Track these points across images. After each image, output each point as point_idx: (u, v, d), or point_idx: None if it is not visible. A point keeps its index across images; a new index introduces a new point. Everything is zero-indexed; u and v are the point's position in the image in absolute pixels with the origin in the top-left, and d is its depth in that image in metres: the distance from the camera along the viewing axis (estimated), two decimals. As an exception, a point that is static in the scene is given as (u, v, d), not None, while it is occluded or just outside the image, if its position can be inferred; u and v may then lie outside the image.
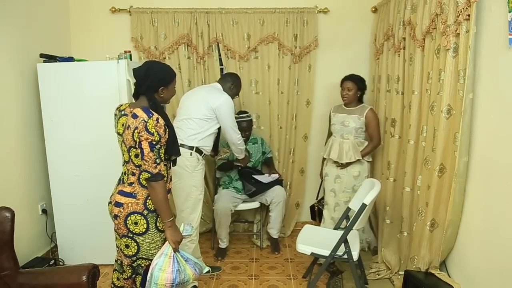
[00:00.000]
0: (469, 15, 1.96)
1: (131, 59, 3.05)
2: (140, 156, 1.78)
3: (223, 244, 3.30)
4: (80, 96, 2.87)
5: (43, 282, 2.01)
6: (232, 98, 2.85)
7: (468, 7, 1.96)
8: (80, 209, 2.98)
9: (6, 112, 2.74)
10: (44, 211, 3.08)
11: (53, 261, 2.90)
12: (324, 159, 3.21)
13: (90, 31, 3.56)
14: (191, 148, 2.60)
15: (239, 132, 2.86)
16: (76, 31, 3.56)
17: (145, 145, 1.75)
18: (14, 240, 2.04)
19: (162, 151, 1.81)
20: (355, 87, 2.97)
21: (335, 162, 3.01)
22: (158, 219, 1.89)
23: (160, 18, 3.48)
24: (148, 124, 1.74)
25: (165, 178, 1.86)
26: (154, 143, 1.76)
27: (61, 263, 3.02)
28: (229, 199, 3.24)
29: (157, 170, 1.79)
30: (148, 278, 1.86)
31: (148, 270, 1.87)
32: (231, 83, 2.91)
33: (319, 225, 3.32)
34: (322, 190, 3.33)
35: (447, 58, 2.13)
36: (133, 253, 1.90)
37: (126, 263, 1.96)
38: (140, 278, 1.95)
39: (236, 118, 3.34)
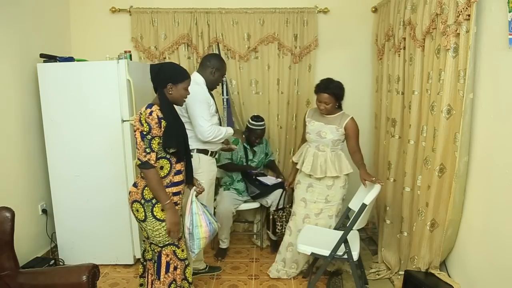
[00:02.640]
0: (469, 15, 1.96)
1: (131, 59, 3.05)
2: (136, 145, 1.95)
3: (223, 245, 3.29)
4: (80, 96, 2.86)
5: (43, 282, 2.01)
6: (218, 82, 2.70)
7: (468, 7, 1.96)
8: (80, 209, 2.98)
9: (6, 112, 2.75)
10: (44, 211, 3.08)
11: (53, 261, 2.90)
12: (295, 164, 2.90)
13: (90, 31, 3.56)
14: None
15: (208, 122, 2.48)
16: (76, 31, 3.57)
17: (137, 134, 1.92)
18: (14, 240, 2.04)
19: (154, 142, 1.92)
20: (332, 100, 2.60)
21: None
22: (155, 208, 1.99)
23: (160, 18, 3.48)
24: (141, 116, 1.91)
25: (166, 170, 2.01)
26: (144, 133, 1.90)
27: (61, 263, 3.02)
28: (231, 201, 3.23)
29: (145, 159, 1.92)
30: (188, 239, 2.12)
31: (161, 258, 2.05)
32: (212, 67, 2.61)
33: (273, 236, 3.23)
34: (284, 199, 3.16)
35: (447, 58, 2.13)
36: (146, 236, 2.09)
37: (148, 243, 2.14)
38: (155, 266, 2.07)
39: (251, 124, 3.32)
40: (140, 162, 1.93)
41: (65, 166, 2.96)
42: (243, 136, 3.34)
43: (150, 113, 1.89)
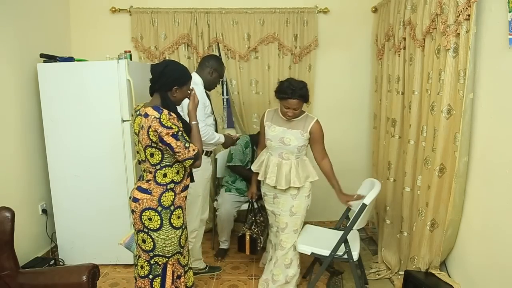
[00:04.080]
0: (469, 15, 1.96)
1: (131, 59, 3.05)
2: (170, 151, 1.84)
3: (224, 245, 3.30)
4: (80, 96, 2.86)
5: (43, 282, 2.01)
6: (215, 82, 2.71)
7: (468, 7, 1.96)
8: (80, 209, 2.98)
9: (6, 112, 2.74)
10: (44, 211, 3.08)
11: (53, 261, 2.90)
12: (256, 174, 2.66)
13: (90, 31, 3.56)
14: None
15: (201, 122, 2.42)
16: (76, 31, 3.57)
17: (169, 139, 1.80)
18: (14, 240, 2.04)
19: (185, 136, 1.87)
20: (301, 105, 2.36)
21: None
22: (172, 216, 1.93)
23: (160, 18, 3.48)
24: (162, 120, 1.79)
25: (181, 174, 1.95)
26: (176, 133, 1.81)
27: (61, 263, 3.02)
28: (232, 204, 3.21)
29: (193, 152, 1.87)
30: (132, 239, 2.07)
31: (167, 269, 1.95)
32: (210, 68, 2.65)
33: (248, 255, 2.89)
34: (252, 213, 2.93)
35: (447, 58, 2.13)
36: (150, 249, 1.95)
37: (144, 259, 1.99)
38: (159, 280, 1.97)
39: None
40: (192, 161, 1.87)
41: (65, 166, 2.96)
42: (230, 147, 3.14)
43: (170, 114, 1.81)
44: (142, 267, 2.00)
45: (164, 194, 1.90)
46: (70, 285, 1.97)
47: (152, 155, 1.87)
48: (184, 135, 1.87)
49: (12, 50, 2.78)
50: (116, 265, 3.06)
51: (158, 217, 1.90)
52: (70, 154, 2.94)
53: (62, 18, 3.47)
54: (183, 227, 2.01)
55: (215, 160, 3.47)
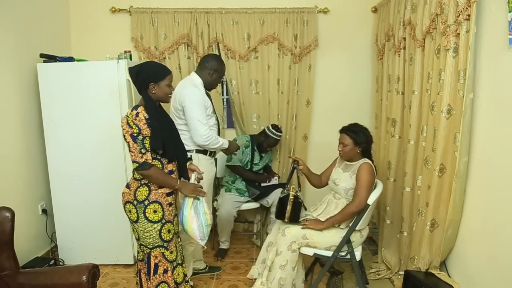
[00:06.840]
0: (469, 15, 1.96)
1: (131, 59, 3.06)
2: (128, 149, 1.95)
3: (224, 245, 3.30)
4: (80, 96, 2.87)
5: (43, 282, 2.01)
6: (216, 82, 2.69)
7: (468, 7, 1.96)
8: (80, 209, 2.98)
9: (6, 112, 2.75)
10: (44, 211, 3.08)
11: (53, 261, 2.90)
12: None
13: (90, 31, 3.56)
14: (188, 151, 2.50)
15: (205, 126, 2.48)
16: (76, 31, 3.57)
17: (128, 138, 1.91)
18: (14, 240, 2.04)
19: (147, 142, 1.92)
20: (351, 143, 2.47)
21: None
22: (147, 210, 1.99)
23: (160, 18, 3.48)
24: (128, 118, 1.91)
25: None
26: (135, 135, 1.90)
27: (61, 263, 3.02)
28: (232, 205, 3.21)
29: (143, 159, 1.92)
30: (199, 225, 2.04)
31: (150, 259, 2.04)
32: (210, 69, 2.59)
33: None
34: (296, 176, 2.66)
35: (447, 58, 2.13)
36: (137, 237, 2.08)
37: (138, 244, 2.12)
38: (146, 266, 2.07)
39: (271, 132, 3.30)
40: (137, 165, 1.91)
41: (65, 166, 2.96)
42: (236, 152, 2.98)
43: (137, 115, 1.89)
44: (138, 251, 2.15)
45: (138, 189, 1.99)
46: (70, 285, 1.97)
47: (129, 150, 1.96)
48: (145, 141, 1.90)
49: (12, 50, 2.78)
50: (116, 265, 3.06)
51: (135, 210, 2.00)
52: (70, 154, 2.94)
53: (62, 18, 3.47)
54: (162, 222, 2.03)
55: (215, 160, 3.46)
